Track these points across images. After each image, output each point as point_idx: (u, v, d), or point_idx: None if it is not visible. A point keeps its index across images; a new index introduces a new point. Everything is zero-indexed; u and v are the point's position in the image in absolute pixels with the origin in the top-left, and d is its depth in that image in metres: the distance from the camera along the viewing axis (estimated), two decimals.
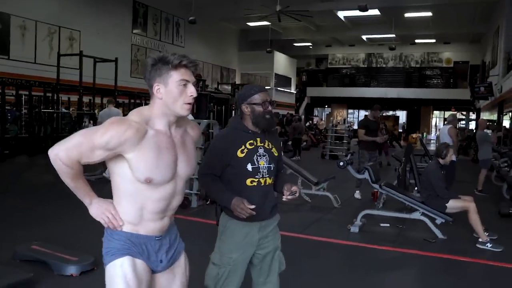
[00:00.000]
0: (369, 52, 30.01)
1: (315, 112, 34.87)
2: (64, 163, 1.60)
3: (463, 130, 21.12)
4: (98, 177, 7.59)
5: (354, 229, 5.47)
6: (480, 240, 4.99)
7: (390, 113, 30.64)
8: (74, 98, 13.42)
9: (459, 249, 4.88)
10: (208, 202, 6.47)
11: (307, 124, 25.27)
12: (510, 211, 6.51)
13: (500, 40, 16.59)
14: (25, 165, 10.08)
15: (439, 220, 5.16)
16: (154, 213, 1.73)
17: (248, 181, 2.22)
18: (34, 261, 3.78)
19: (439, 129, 17.75)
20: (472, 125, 26.35)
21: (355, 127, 27.82)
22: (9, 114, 11.37)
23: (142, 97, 14.22)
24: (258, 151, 2.25)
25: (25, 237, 4.38)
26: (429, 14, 19.61)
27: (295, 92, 29.36)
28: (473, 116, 27.95)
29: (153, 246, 1.77)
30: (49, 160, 1.65)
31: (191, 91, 1.71)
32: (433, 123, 32.72)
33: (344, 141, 15.56)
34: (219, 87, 19.85)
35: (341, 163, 5.98)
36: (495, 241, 5.02)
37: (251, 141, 2.24)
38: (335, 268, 4.29)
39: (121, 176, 1.68)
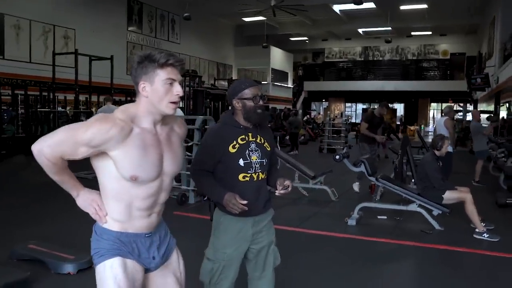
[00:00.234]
0: (365, 46, 30.01)
1: (313, 106, 34.85)
2: (47, 159, 1.59)
3: (461, 122, 21.13)
4: (95, 175, 7.56)
5: (352, 222, 5.48)
6: (477, 230, 5.01)
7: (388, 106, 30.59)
8: (70, 96, 13.39)
9: (456, 240, 4.90)
10: (205, 198, 6.44)
11: (305, 118, 25.27)
12: (507, 201, 6.52)
13: (496, 31, 16.58)
14: (23, 164, 10.04)
15: (436, 212, 5.18)
16: (141, 210, 1.72)
17: (240, 176, 2.22)
18: (31, 260, 3.78)
19: (436, 121, 17.74)
20: (470, 117, 26.35)
21: (353, 120, 27.89)
22: (5, 114, 11.36)
23: None
24: (250, 146, 2.24)
25: (22, 236, 4.39)
26: (425, 6, 19.59)
27: (292, 86, 29.34)
28: (470, 107, 27.94)
29: (143, 243, 1.76)
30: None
31: (177, 90, 1.69)
32: (431, 115, 32.74)
33: (342, 134, 15.57)
34: (216, 83, 19.84)
35: (337, 157, 5.97)
36: (492, 231, 5.04)
37: (243, 136, 2.23)
38: (332, 261, 4.29)
39: (106, 174, 1.67)
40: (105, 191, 1.71)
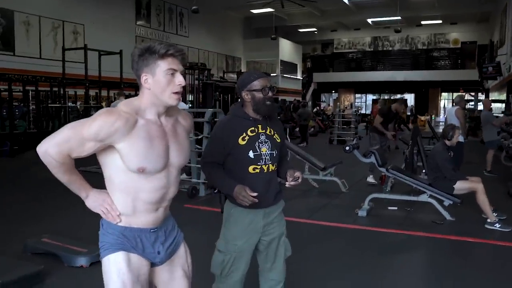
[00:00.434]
0: (374, 36, 29.74)
1: (322, 98, 34.72)
2: (54, 159, 1.58)
3: (473, 111, 20.91)
4: None
5: (362, 213, 5.47)
6: (488, 220, 4.98)
7: (398, 96, 30.42)
8: (80, 92, 13.49)
9: (467, 231, 4.87)
10: (216, 190, 6.47)
11: (315, 110, 25.19)
12: None
13: (508, 19, 16.32)
14: (34, 160, 10.17)
15: (447, 202, 5.14)
16: (148, 203, 1.72)
17: (250, 168, 2.22)
18: (44, 253, 3.83)
19: (447, 111, 17.59)
20: (481, 106, 26.09)
21: (363, 111, 27.74)
22: (17, 110, 11.47)
23: None
24: (259, 138, 2.23)
25: (35, 231, 4.45)
26: None
27: (301, 78, 29.22)
28: (482, 97, 27.67)
29: (148, 238, 1.76)
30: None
31: (179, 80, 1.69)
32: (442, 105, 32.45)
33: (352, 125, 15.50)
34: (225, 75, 19.80)
35: (347, 148, 5.94)
36: (504, 222, 5.00)
37: (252, 128, 2.23)
38: (342, 252, 4.30)
39: (113, 167, 1.67)
40: (112, 185, 1.71)
